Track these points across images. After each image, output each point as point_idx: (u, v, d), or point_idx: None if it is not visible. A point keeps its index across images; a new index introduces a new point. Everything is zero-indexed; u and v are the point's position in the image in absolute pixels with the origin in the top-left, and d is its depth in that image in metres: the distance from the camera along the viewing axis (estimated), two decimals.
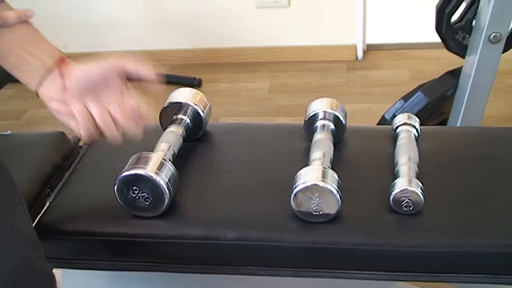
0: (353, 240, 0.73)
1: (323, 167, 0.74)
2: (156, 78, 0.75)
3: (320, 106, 0.88)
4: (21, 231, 0.64)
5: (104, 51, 2.55)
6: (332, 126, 0.86)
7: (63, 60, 0.74)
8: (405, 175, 0.75)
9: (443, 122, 1.64)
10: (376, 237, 0.73)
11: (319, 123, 0.87)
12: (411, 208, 0.73)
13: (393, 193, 0.72)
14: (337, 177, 0.73)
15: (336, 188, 0.71)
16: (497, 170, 0.82)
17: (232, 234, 0.74)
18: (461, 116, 1.52)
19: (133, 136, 0.75)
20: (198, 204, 0.79)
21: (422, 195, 0.72)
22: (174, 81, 2.30)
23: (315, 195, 0.71)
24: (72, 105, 0.74)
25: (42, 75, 0.73)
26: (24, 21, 0.74)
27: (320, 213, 0.72)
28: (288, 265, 0.76)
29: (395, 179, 0.75)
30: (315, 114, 0.87)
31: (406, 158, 0.79)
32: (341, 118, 0.86)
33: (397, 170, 0.78)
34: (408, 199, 0.72)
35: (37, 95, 0.75)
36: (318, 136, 0.84)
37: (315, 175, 0.72)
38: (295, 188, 0.71)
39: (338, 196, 0.71)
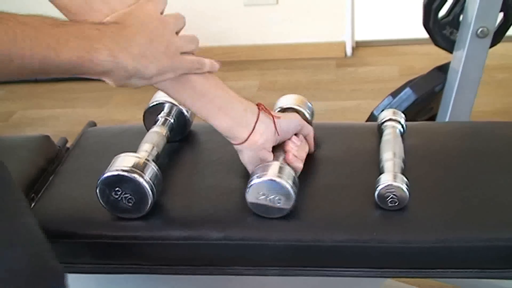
0: (339, 237, 0.72)
1: (280, 164, 0.74)
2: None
3: (285, 102, 0.87)
4: (33, 231, 0.65)
5: None
6: None
7: (261, 106, 0.76)
8: (390, 171, 0.74)
9: (432, 118, 1.63)
10: (362, 233, 0.72)
11: None
12: (396, 203, 0.72)
13: (378, 189, 0.72)
14: (293, 173, 0.73)
15: (291, 184, 0.71)
16: (482, 164, 0.82)
17: (216, 234, 0.73)
18: (449, 111, 1.52)
19: None
20: (181, 204, 0.78)
21: (407, 190, 0.71)
22: None
23: (270, 190, 0.71)
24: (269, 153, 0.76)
25: (253, 120, 0.74)
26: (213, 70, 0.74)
27: (277, 206, 0.71)
28: (274, 264, 0.75)
29: (380, 175, 0.74)
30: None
31: (391, 154, 0.78)
32: (307, 115, 0.86)
33: (382, 166, 0.77)
34: (393, 194, 0.71)
35: (240, 143, 0.75)
36: None
37: (271, 171, 0.72)
38: (250, 182, 0.72)
39: (292, 191, 0.70)
